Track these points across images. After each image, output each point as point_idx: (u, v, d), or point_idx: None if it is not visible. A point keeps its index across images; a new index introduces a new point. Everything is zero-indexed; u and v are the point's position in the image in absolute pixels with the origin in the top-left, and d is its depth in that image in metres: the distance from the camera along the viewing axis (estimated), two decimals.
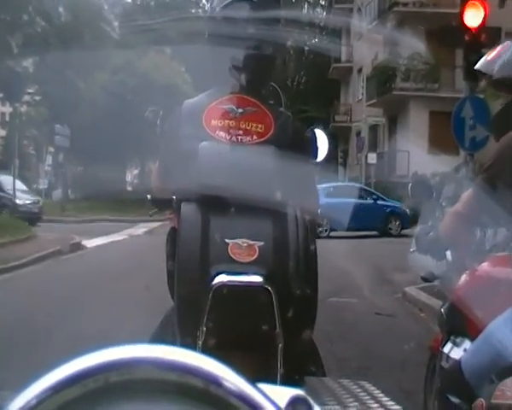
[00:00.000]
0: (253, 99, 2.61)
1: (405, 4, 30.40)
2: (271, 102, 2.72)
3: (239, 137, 2.55)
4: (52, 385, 0.63)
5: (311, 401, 0.70)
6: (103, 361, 0.64)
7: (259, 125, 2.57)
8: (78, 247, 16.30)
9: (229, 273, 2.21)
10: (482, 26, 8.69)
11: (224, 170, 2.38)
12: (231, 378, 0.65)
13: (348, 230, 17.80)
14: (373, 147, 32.01)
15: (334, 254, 11.16)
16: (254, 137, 2.55)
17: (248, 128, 2.56)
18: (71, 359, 0.64)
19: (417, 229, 3.11)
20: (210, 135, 2.54)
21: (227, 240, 2.25)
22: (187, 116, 2.62)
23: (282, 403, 0.68)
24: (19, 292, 9.50)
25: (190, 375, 0.64)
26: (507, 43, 2.98)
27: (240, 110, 2.59)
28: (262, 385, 0.67)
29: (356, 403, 1.98)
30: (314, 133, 2.81)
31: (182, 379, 0.64)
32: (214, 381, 0.64)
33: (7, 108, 47.31)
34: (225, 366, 0.66)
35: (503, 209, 2.61)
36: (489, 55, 3.00)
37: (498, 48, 2.97)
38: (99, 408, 0.64)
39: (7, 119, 50.05)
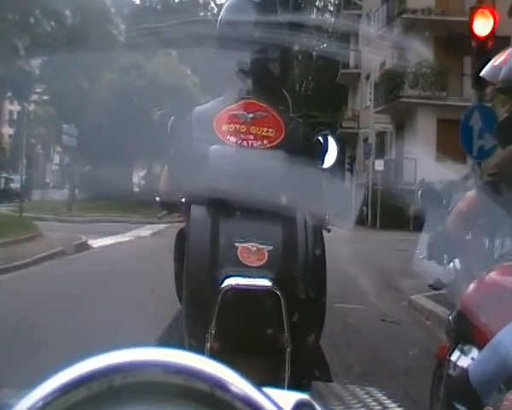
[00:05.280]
0: (264, 104, 2.62)
1: (414, 11, 30.37)
2: (281, 107, 2.72)
3: (249, 142, 2.56)
4: (58, 387, 0.63)
5: (316, 406, 0.69)
6: (108, 364, 0.64)
7: (270, 131, 2.58)
8: (83, 247, 16.31)
9: (238, 277, 2.21)
10: (491, 35, 8.67)
11: (233, 174, 2.38)
12: (237, 382, 0.64)
13: None
14: (380, 153, 31.99)
15: (340, 260, 11.14)
16: (265, 141, 2.56)
17: (259, 133, 2.57)
18: (76, 361, 0.64)
19: (429, 236, 3.12)
20: (220, 140, 2.55)
21: (236, 244, 2.25)
22: (198, 121, 2.63)
23: (288, 407, 0.67)
24: (24, 291, 9.51)
25: (195, 378, 0.64)
26: (509, 50, 2.98)
27: (250, 115, 2.59)
28: (267, 389, 0.67)
29: (363, 408, 1.97)
30: (324, 139, 2.81)
31: (187, 383, 0.64)
32: (220, 385, 0.64)
33: (15, 107, 47.53)
34: (232, 369, 0.65)
35: (506, 215, 2.62)
36: (494, 63, 3.00)
37: (503, 55, 2.97)
38: None
39: (15, 117, 50.24)
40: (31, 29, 30.33)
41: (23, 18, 29.65)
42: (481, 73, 3.08)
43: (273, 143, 2.56)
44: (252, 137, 2.56)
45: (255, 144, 2.55)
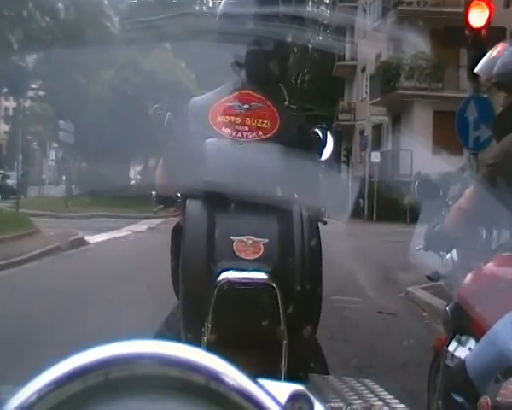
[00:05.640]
0: (259, 95, 2.61)
1: (409, 3, 30.37)
2: (276, 98, 2.72)
3: (244, 134, 2.55)
4: (53, 381, 0.62)
5: (312, 397, 0.69)
6: (103, 357, 0.63)
7: (265, 122, 2.57)
8: (80, 242, 16.30)
9: (234, 270, 2.21)
10: (487, 26, 8.66)
11: (229, 167, 2.38)
12: (232, 374, 0.64)
13: None
14: (376, 146, 32.00)
15: (336, 252, 11.15)
16: (260, 133, 2.55)
17: (254, 124, 2.56)
18: (71, 354, 0.64)
19: (426, 227, 3.13)
20: (216, 132, 2.54)
21: (232, 237, 2.25)
22: (193, 113, 2.63)
23: (283, 399, 0.67)
24: (21, 288, 9.50)
25: (191, 371, 0.64)
26: (502, 44, 2.98)
27: (245, 106, 2.59)
28: (262, 381, 0.67)
29: (359, 401, 1.97)
30: (320, 131, 2.81)
31: (182, 375, 0.64)
32: (215, 377, 0.64)
33: (11, 103, 47.43)
34: (228, 362, 0.65)
35: (504, 207, 2.62)
36: (487, 58, 3.00)
37: (497, 49, 2.97)
38: (99, 404, 0.64)
39: (10, 114, 50.16)
40: (25, 24, 30.24)
41: (17, 13, 29.57)
42: (475, 70, 3.09)
43: (268, 135, 2.55)
44: (247, 128, 2.56)
45: (250, 136, 2.55)
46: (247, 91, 2.62)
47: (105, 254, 14.67)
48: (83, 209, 27.22)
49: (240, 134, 2.55)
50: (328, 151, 2.81)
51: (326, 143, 2.81)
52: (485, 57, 3.03)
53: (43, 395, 0.62)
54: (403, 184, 19.12)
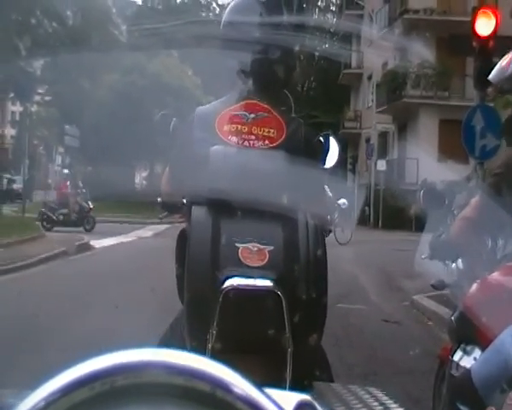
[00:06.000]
0: (265, 105, 2.62)
1: (416, 11, 30.35)
2: (283, 108, 2.72)
3: (251, 142, 2.56)
4: (60, 388, 0.63)
5: (318, 406, 0.69)
6: (110, 365, 0.64)
7: (271, 131, 2.58)
8: (86, 247, 16.33)
9: (239, 277, 2.20)
10: (493, 35, 8.67)
11: (235, 174, 2.38)
12: (238, 383, 0.64)
13: None
14: (382, 154, 31.95)
15: (342, 260, 11.14)
16: (266, 142, 2.56)
17: (260, 133, 2.57)
18: (78, 361, 0.64)
19: (431, 236, 3.13)
20: (222, 140, 2.55)
21: (237, 244, 2.26)
22: (200, 121, 2.64)
23: (289, 408, 0.67)
24: (27, 292, 9.51)
25: (197, 379, 0.64)
26: None
27: (252, 116, 2.59)
28: (268, 390, 0.67)
29: (364, 409, 1.97)
30: (325, 139, 2.81)
31: (188, 383, 0.64)
32: (221, 385, 0.64)
33: (17, 108, 47.52)
34: (234, 369, 0.65)
35: (510, 216, 2.62)
36: (501, 64, 3.00)
37: (510, 55, 2.97)
38: None
39: (17, 118, 50.25)
40: (33, 30, 30.35)
41: (25, 19, 29.67)
42: (489, 77, 3.08)
43: (274, 144, 2.56)
44: (253, 137, 2.57)
45: (256, 145, 2.56)
46: (253, 101, 2.63)
47: (110, 259, 14.69)
48: None
49: (246, 142, 2.56)
50: (333, 159, 2.81)
51: (331, 150, 2.81)
52: (498, 64, 3.03)
53: (50, 402, 0.62)
54: (408, 193, 19.08)
